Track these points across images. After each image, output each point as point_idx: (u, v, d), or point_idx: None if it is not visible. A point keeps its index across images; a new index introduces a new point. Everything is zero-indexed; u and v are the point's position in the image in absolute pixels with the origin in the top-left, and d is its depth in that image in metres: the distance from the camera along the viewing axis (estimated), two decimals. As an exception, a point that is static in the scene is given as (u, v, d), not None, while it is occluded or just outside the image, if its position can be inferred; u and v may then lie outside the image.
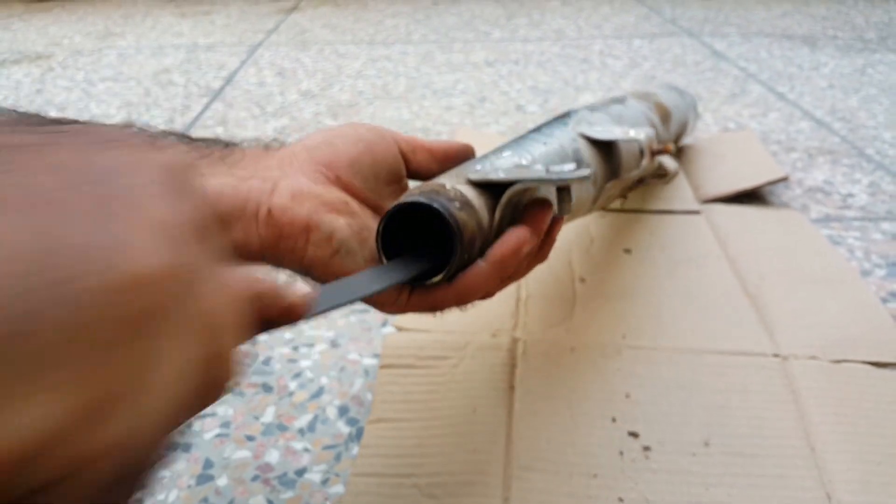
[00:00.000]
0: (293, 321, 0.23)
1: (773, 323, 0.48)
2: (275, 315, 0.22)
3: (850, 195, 0.68)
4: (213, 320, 0.16)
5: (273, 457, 0.40)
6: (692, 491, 0.36)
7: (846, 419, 0.40)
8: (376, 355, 0.47)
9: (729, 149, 0.74)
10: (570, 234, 0.59)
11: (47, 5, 1.63)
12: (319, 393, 0.44)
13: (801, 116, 0.89)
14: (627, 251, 0.57)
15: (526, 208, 0.33)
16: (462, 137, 0.82)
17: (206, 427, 0.42)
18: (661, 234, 0.60)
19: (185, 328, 0.15)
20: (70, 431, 0.13)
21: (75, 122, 0.19)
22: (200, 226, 0.16)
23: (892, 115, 0.89)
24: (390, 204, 0.30)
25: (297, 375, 0.46)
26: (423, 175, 0.35)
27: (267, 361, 0.47)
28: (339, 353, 0.48)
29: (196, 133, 0.86)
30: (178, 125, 0.89)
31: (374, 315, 0.51)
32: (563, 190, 0.34)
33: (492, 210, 0.32)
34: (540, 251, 0.35)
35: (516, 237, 0.31)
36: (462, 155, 0.36)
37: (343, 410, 0.43)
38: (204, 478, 0.38)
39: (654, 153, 0.47)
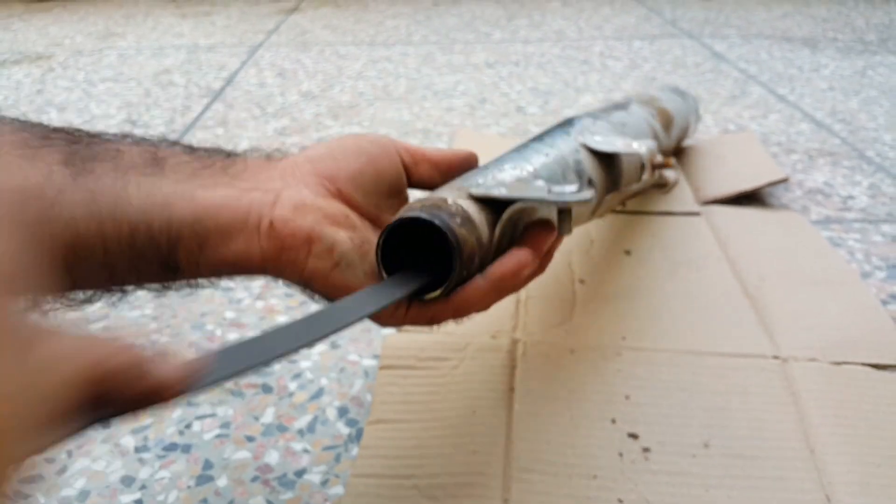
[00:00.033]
0: (162, 402, 0.18)
1: (773, 325, 0.48)
2: (133, 397, 0.17)
3: (851, 197, 0.68)
4: None
5: (273, 457, 0.40)
6: (692, 492, 0.36)
7: (846, 421, 0.40)
8: (376, 356, 0.47)
9: (729, 150, 0.74)
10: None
11: (48, 5, 1.64)
12: (319, 394, 0.44)
13: (802, 118, 0.89)
14: (627, 252, 0.57)
15: (527, 228, 0.33)
16: (462, 138, 0.82)
17: (205, 427, 0.42)
18: (661, 236, 0.60)
19: None
20: None
21: None
22: None
23: (893, 117, 0.89)
24: (390, 217, 0.30)
25: (297, 376, 0.46)
26: (426, 185, 0.35)
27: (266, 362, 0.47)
28: (339, 353, 0.48)
29: (196, 134, 0.86)
30: (179, 126, 0.89)
31: (374, 316, 0.51)
32: (565, 211, 0.34)
33: (492, 226, 0.32)
34: (538, 266, 0.35)
35: (517, 259, 0.31)
36: (465, 164, 0.36)
37: (343, 411, 0.43)
38: (203, 478, 0.38)
39: (655, 167, 0.46)
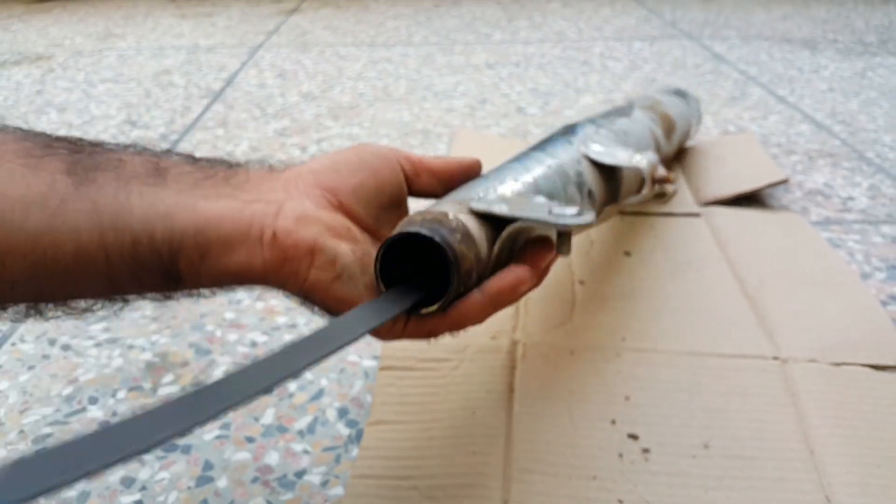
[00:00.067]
0: None
1: (772, 325, 0.48)
2: None
3: (851, 198, 0.68)
4: None
5: (273, 458, 0.40)
6: (692, 493, 0.36)
7: (846, 422, 0.40)
8: (376, 357, 0.47)
9: (729, 151, 0.74)
10: (570, 236, 0.59)
11: (47, 6, 1.64)
12: (319, 395, 0.45)
13: (802, 119, 0.89)
14: (627, 254, 0.57)
15: (527, 245, 0.33)
16: (463, 139, 0.82)
17: (205, 428, 0.42)
18: (660, 237, 0.60)
19: None
20: None
21: None
22: None
23: (893, 118, 0.89)
24: (389, 230, 0.30)
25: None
26: (427, 195, 0.35)
27: (267, 363, 0.47)
28: (339, 354, 0.48)
29: (196, 135, 0.86)
30: (179, 126, 0.89)
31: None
32: (564, 233, 0.34)
33: (491, 242, 0.32)
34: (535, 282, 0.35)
35: (515, 275, 0.31)
36: (467, 173, 0.36)
37: (343, 412, 0.43)
38: (203, 479, 0.38)
39: (655, 181, 0.46)
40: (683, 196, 0.66)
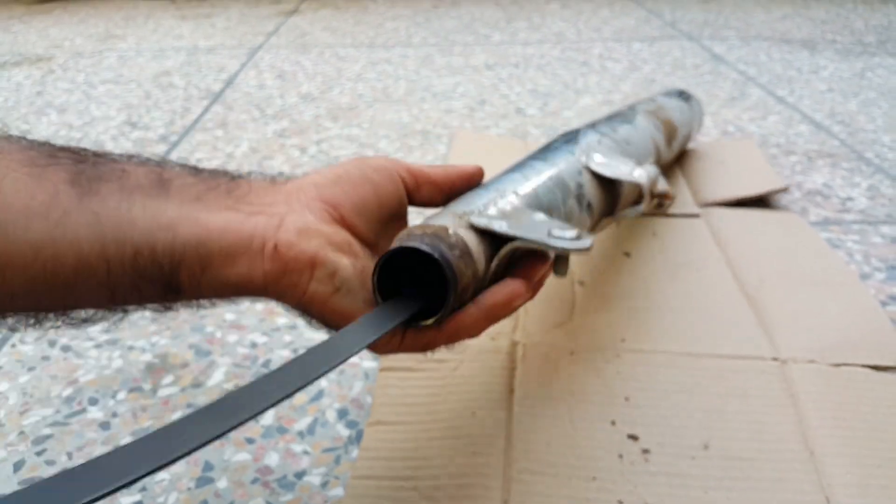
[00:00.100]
0: None
1: (772, 326, 0.48)
2: None
3: (850, 199, 0.69)
4: None
5: (273, 459, 0.40)
6: (691, 494, 0.36)
7: (845, 423, 0.40)
8: (376, 358, 0.47)
9: (730, 155, 0.74)
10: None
11: (48, 7, 1.64)
12: (319, 396, 0.45)
13: (801, 120, 0.89)
14: (627, 254, 0.57)
15: (523, 258, 0.33)
16: (462, 140, 0.82)
17: (205, 429, 0.42)
18: (660, 237, 0.60)
19: None
20: None
21: None
22: None
23: (892, 118, 0.89)
24: (389, 244, 0.31)
25: (297, 378, 0.46)
26: (428, 205, 0.35)
27: (266, 364, 0.48)
28: (339, 355, 0.48)
29: (196, 136, 0.86)
30: (178, 127, 0.89)
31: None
32: (562, 256, 0.34)
33: (489, 258, 0.32)
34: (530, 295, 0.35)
35: (510, 289, 0.32)
36: (468, 182, 0.36)
37: (342, 413, 0.43)
38: (203, 480, 0.39)
39: (654, 196, 0.47)
40: (683, 196, 0.66)
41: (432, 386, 0.43)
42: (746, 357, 0.45)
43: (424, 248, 0.29)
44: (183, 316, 0.52)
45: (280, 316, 0.52)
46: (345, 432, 0.42)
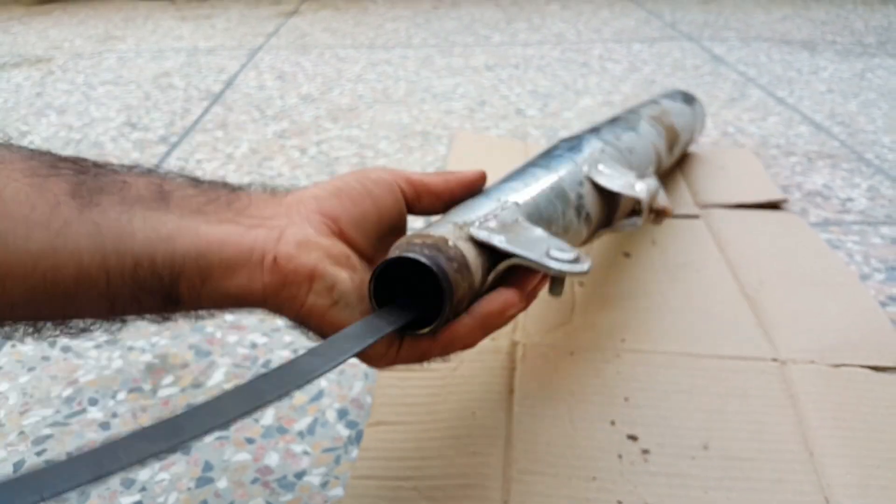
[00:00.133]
0: None
1: (772, 327, 0.48)
2: None
3: (850, 199, 0.69)
4: None
5: (272, 459, 0.40)
6: (691, 494, 0.36)
7: (845, 423, 0.40)
8: (376, 358, 0.47)
9: (730, 161, 0.75)
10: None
11: (47, 8, 1.64)
12: (319, 396, 0.45)
13: (801, 121, 0.89)
14: (626, 255, 0.57)
15: (518, 268, 0.34)
16: (462, 141, 0.82)
17: (205, 430, 0.42)
18: (660, 238, 0.60)
19: None
20: None
21: None
22: None
23: (891, 119, 0.89)
24: (385, 256, 0.31)
25: (297, 378, 0.46)
26: (428, 214, 0.36)
27: (266, 364, 0.48)
28: (339, 356, 0.48)
29: (196, 137, 0.86)
30: (178, 128, 0.89)
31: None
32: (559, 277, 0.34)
33: (486, 271, 0.32)
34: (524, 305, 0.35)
35: (504, 300, 0.32)
36: (469, 189, 0.36)
37: (342, 413, 0.43)
38: (203, 480, 0.39)
39: (652, 211, 0.47)
40: (683, 198, 0.66)
41: (432, 386, 0.43)
42: (746, 357, 0.45)
43: (424, 259, 0.29)
44: (183, 316, 0.52)
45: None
46: (345, 432, 0.42)
